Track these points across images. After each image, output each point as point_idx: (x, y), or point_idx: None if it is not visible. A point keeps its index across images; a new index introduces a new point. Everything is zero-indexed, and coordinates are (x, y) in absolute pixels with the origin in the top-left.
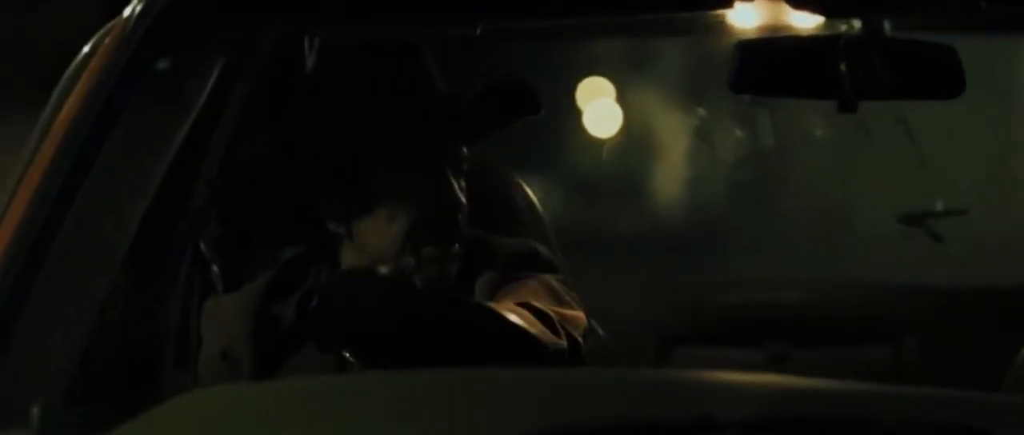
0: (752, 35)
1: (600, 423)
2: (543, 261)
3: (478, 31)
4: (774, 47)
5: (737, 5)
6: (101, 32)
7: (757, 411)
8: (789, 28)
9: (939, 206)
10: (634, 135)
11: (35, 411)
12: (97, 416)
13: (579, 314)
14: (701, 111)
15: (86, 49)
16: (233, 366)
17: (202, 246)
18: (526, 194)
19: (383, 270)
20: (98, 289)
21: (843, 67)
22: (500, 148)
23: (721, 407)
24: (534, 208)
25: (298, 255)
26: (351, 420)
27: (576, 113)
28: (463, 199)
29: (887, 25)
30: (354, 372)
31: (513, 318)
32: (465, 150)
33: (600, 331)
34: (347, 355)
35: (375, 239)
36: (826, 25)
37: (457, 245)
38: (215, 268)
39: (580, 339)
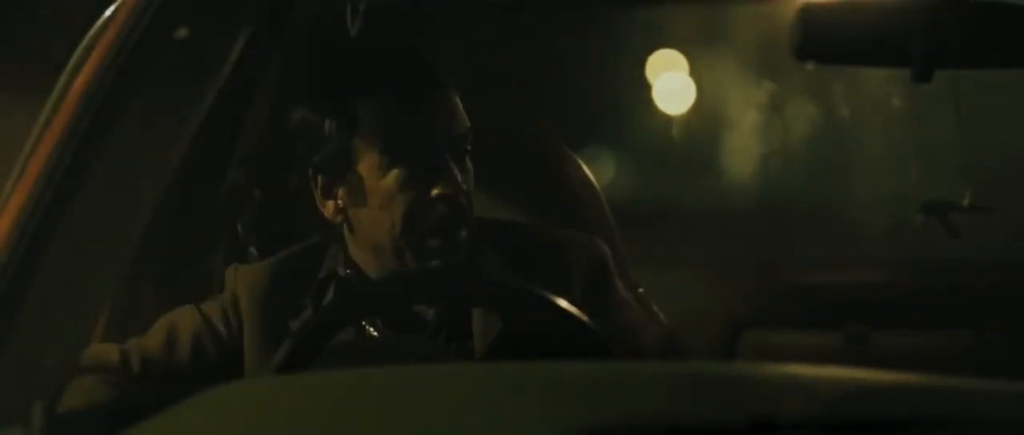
0: None
1: (641, 424)
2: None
3: None
4: (840, 10)
5: None
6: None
7: (822, 410)
8: None
9: (965, 200)
10: (703, 109)
11: (37, 409)
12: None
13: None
14: (773, 84)
15: (104, 16)
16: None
17: (239, 228)
18: (581, 170)
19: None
20: (109, 279)
21: (917, 32)
22: (560, 120)
23: (783, 405)
24: (590, 185)
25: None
26: (377, 415)
27: (645, 86)
28: (462, 184)
29: None
30: (377, 367)
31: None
32: (467, 130)
33: (662, 317)
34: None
35: (372, 228)
36: None
37: (463, 232)
38: (254, 251)
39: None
